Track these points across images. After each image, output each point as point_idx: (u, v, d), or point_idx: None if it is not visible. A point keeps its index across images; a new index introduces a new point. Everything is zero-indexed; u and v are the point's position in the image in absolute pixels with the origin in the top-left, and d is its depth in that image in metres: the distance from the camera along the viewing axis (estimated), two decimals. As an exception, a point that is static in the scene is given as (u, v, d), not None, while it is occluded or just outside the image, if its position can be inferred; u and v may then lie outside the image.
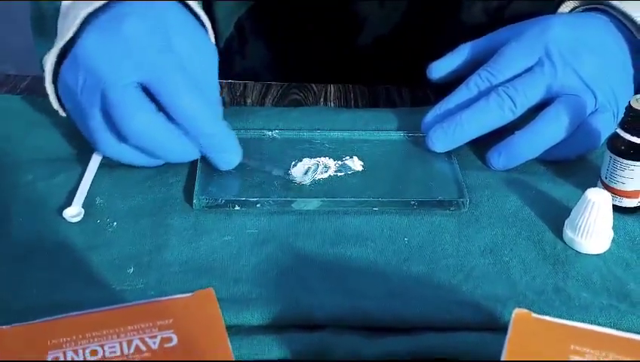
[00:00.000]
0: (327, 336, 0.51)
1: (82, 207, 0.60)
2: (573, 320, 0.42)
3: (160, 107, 0.60)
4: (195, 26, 0.65)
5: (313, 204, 0.61)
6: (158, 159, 0.63)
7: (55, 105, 0.66)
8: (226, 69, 0.92)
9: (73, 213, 0.59)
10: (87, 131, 0.62)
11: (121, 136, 0.60)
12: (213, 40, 0.68)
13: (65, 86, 0.63)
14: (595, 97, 0.65)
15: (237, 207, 0.61)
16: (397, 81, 0.81)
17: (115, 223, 0.59)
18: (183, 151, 0.62)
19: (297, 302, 0.53)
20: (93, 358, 0.37)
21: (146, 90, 0.60)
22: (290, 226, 0.60)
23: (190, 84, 0.60)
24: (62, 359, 0.37)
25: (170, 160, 0.63)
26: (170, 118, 0.60)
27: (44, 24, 0.69)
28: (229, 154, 0.63)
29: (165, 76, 0.60)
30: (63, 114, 0.66)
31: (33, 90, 0.75)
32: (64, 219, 0.59)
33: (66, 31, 0.63)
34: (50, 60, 0.64)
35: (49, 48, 0.65)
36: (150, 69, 0.60)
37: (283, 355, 0.50)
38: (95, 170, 0.64)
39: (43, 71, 0.65)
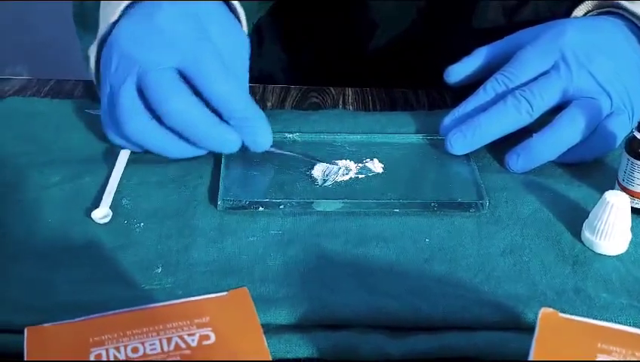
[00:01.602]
0: (351, 335, 0.52)
1: (110, 208, 0.61)
2: (594, 319, 0.43)
3: (195, 92, 0.61)
4: (228, 15, 0.66)
5: (335, 205, 0.62)
6: (188, 147, 0.63)
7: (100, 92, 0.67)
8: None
9: (101, 214, 0.60)
10: (112, 115, 0.63)
11: (151, 121, 0.61)
12: (245, 30, 0.69)
13: (103, 67, 0.64)
14: (611, 99, 0.66)
15: (260, 208, 0.62)
16: (414, 84, 0.82)
17: (141, 224, 0.60)
18: (221, 136, 0.62)
19: (322, 301, 0.54)
20: (134, 355, 0.38)
21: (182, 76, 0.61)
22: (313, 227, 0.60)
23: (225, 70, 0.61)
24: (104, 356, 0.38)
25: (207, 146, 0.63)
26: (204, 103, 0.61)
27: (87, 20, 0.71)
28: (261, 136, 0.63)
29: (202, 62, 0.61)
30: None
31: (57, 93, 0.76)
32: (92, 219, 0.60)
33: (105, 21, 0.65)
34: (93, 48, 0.66)
35: (92, 39, 0.67)
36: (187, 55, 0.61)
37: (309, 353, 0.51)
38: (122, 171, 0.64)
39: (86, 60, 0.66)
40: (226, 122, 0.62)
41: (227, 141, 0.62)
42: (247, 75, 0.66)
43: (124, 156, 0.66)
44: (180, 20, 0.62)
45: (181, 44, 0.61)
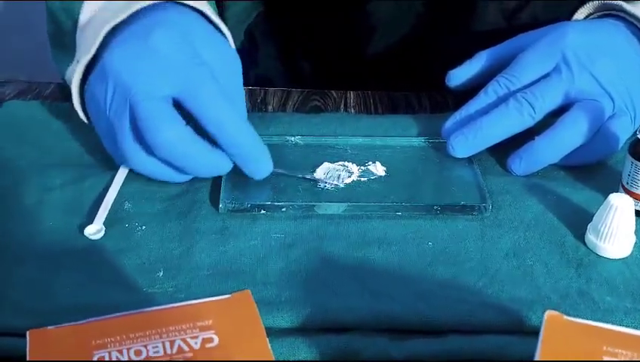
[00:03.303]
0: (354, 339, 0.52)
1: (108, 215, 0.60)
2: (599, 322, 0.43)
3: (188, 119, 0.60)
4: (218, 35, 0.65)
5: (337, 208, 0.62)
6: (185, 174, 0.63)
7: (83, 117, 0.66)
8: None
9: (94, 230, 0.59)
10: (113, 145, 0.62)
11: (149, 150, 0.60)
12: (232, 43, 0.68)
13: (92, 100, 0.63)
14: (613, 101, 0.66)
15: (262, 212, 0.61)
16: (415, 86, 0.82)
17: (143, 227, 0.60)
18: (213, 164, 0.61)
19: (324, 304, 0.53)
20: (137, 358, 0.38)
21: (175, 103, 0.60)
22: (316, 230, 0.60)
23: (222, 96, 0.60)
24: (107, 359, 0.38)
25: (199, 174, 0.63)
26: (197, 130, 0.60)
27: (63, 39, 0.69)
28: (261, 164, 0.63)
29: (199, 89, 0.60)
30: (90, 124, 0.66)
31: (58, 97, 0.76)
32: (93, 222, 0.60)
33: (88, 45, 0.63)
34: (76, 76, 0.64)
35: (69, 62, 0.65)
36: (183, 81, 0.60)
37: (312, 357, 0.51)
38: (120, 186, 0.64)
39: (64, 81, 0.65)
40: (219, 146, 0.61)
41: (218, 167, 0.62)
42: (243, 96, 0.65)
43: (122, 172, 0.65)
44: (175, 44, 0.61)
45: (177, 71, 0.60)
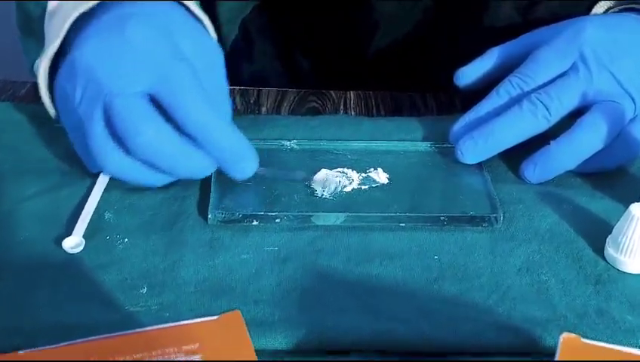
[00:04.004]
0: (354, 361, 0.51)
1: (88, 226, 0.60)
2: (619, 344, 0.42)
3: (167, 118, 0.59)
4: (199, 27, 0.65)
5: (336, 219, 0.62)
6: (166, 176, 0.62)
7: (52, 111, 0.66)
8: (233, 77, 0.92)
9: (72, 243, 0.59)
10: (84, 147, 0.61)
11: (125, 151, 0.59)
12: (215, 37, 0.68)
13: (62, 96, 0.62)
14: (634, 103, 0.66)
15: (255, 222, 0.61)
16: (420, 87, 0.81)
17: (125, 239, 0.59)
18: (196, 165, 0.61)
19: (321, 324, 0.53)
20: (116, 385, 0.37)
21: (152, 100, 0.60)
22: (312, 243, 0.60)
23: (203, 94, 0.60)
24: (83, 386, 0.37)
25: (181, 176, 0.62)
26: (178, 129, 0.60)
27: (32, 26, 0.69)
28: (245, 163, 0.62)
29: (177, 86, 0.59)
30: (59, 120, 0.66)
31: (34, 98, 0.75)
32: (72, 233, 0.59)
33: (55, 35, 0.63)
34: (42, 67, 0.63)
35: (38, 51, 0.65)
36: (161, 77, 0.59)
37: (308, 381, 0.50)
38: (99, 196, 0.63)
39: (34, 76, 0.64)
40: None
41: (202, 168, 0.61)
42: (226, 92, 0.64)
43: (103, 180, 0.64)
44: (152, 37, 0.60)
45: (155, 66, 0.59)
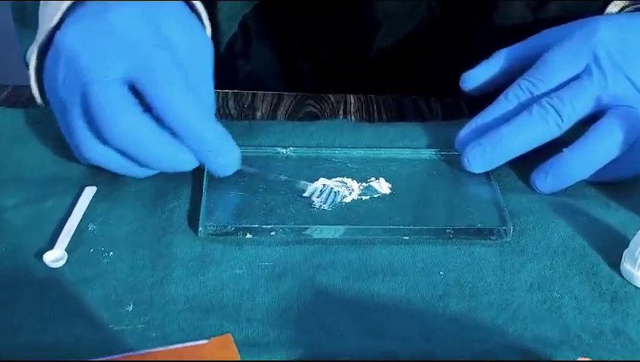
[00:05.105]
0: (354, 385, 0.51)
1: (69, 244, 0.59)
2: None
3: (146, 107, 0.60)
4: (192, 20, 0.65)
5: (335, 232, 0.61)
6: (146, 168, 0.62)
7: (39, 100, 0.66)
8: (230, 76, 0.92)
9: (53, 257, 0.58)
10: (67, 132, 0.62)
11: (102, 141, 0.60)
12: (209, 33, 0.68)
13: (48, 80, 0.63)
14: (652, 108, 0.65)
15: (248, 235, 0.61)
16: (425, 90, 0.81)
17: (110, 253, 0.59)
18: (175, 158, 0.61)
19: (319, 345, 0.53)
20: (96, 416, 0.36)
21: (132, 88, 0.60)
22: (310, 258, 0.60)
23: (184, 85, 0.60)
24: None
25: (161, 168, 0.63)
26: (157, 120, 0.60)
27: (26, 14, 0.70)
28: (226, 158, 0.62)
29: (158, 74, 0.59)
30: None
31: (15, 102, 0.75)
32: (53, 248, 0.59)
33: (47, 22, 0.63)
34: (33, 55, 0.64)
35: (32, 40, 0.65)
36: (141, 64, 0.59)
37: (305, 405, 0.50)
38: (84, 209, 0.63)
39: (26, 66, 0.65)
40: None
41: (183, 162, 0.61)
42: (211, 85, 0.65)
43: (88, 193, 0.64)
44: (135, 22, 0.61)
45: (134, 51, 0.60)
